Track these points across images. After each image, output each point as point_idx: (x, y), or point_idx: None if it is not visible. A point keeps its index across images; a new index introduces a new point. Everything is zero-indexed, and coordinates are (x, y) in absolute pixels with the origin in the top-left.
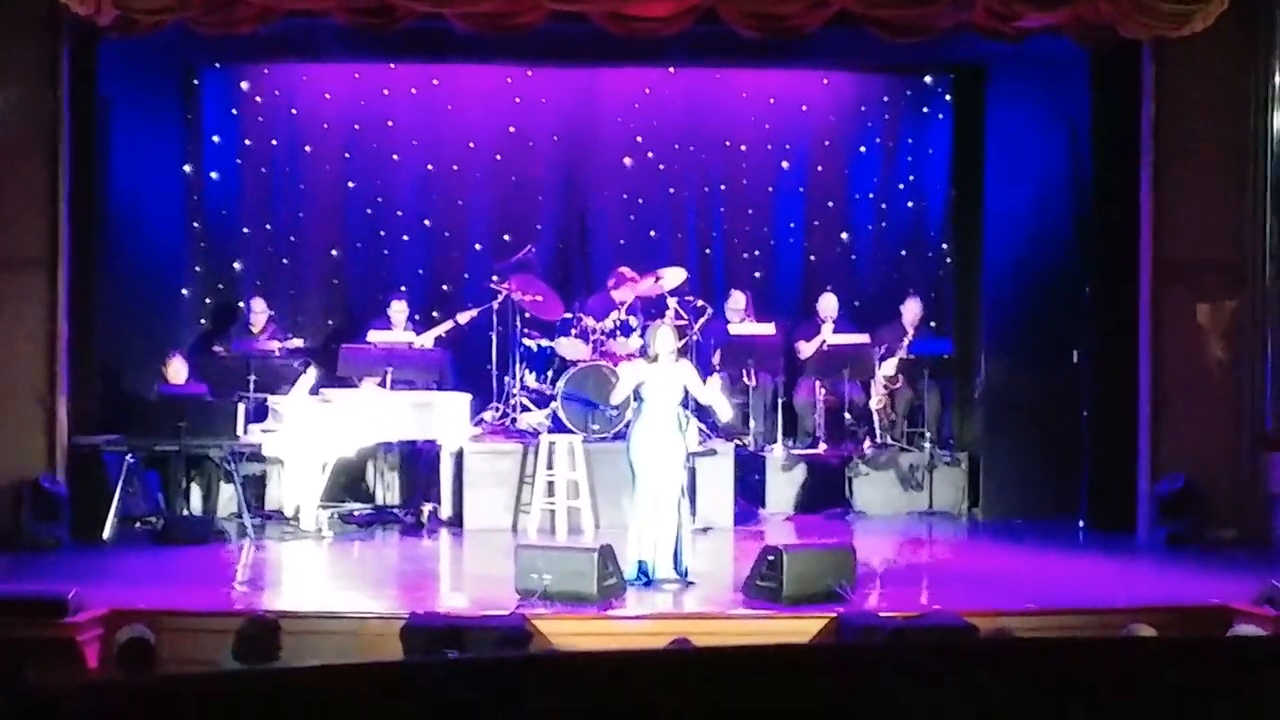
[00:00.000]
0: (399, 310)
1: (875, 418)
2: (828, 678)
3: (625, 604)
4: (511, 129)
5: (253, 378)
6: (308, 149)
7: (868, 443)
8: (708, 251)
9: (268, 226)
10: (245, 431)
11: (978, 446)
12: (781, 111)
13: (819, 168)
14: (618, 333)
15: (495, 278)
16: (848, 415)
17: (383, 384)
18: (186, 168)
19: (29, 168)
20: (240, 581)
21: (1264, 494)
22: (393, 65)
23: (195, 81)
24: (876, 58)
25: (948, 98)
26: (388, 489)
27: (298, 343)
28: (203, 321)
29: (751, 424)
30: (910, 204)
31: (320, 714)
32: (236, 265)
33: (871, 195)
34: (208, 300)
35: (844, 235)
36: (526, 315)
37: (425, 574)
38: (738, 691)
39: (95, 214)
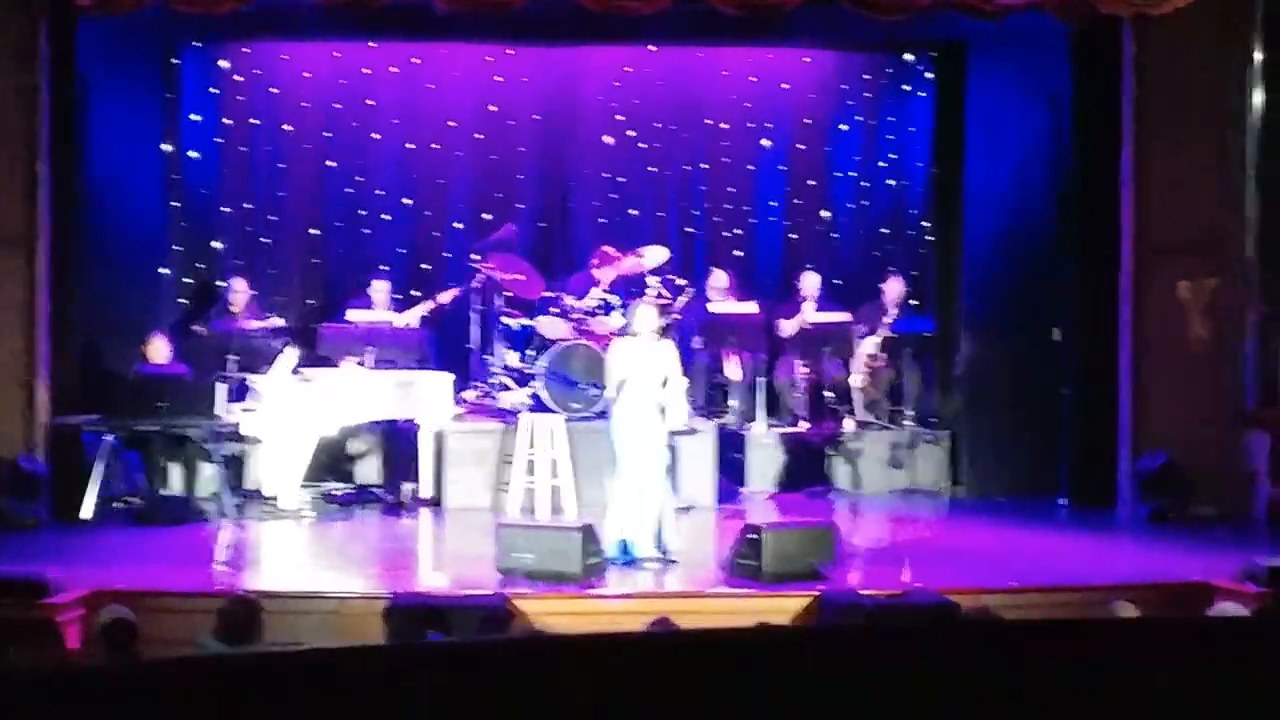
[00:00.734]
0: (379, 289)
1: (857, 396)
2: (808, 658)
3: (607, 583)
4: (492, 108)
5: (233, 357)
6: (287, 128)
7: (849, 421)
8: (689, 230)
9: (247, 206)
10: (226, 411)
11: (959, 424)
12: (762, 90)
13: (800, 146)
14: (599, 311)
15: (475, 256)
16: (829, 394)
17: (363, 363)
18: (166, 147)
19: (7, 147)
20: (221, 561)
21: (1245, 470)
22: (372, 44)
23: (174, 60)
24: (857, 35)
25: (928, 75)
26: (368, 468)
27: (278, 322)
28: (182, 301)
29: (733, 403)
30: (891, 182)
31: (306, 696)
32: (216, 244)
33: (852, 173)
34: (187, 280)
35: (825, 213)
36: (507, 294)
37: (406, 553)
38: (719, 675)
39: (74, 193)
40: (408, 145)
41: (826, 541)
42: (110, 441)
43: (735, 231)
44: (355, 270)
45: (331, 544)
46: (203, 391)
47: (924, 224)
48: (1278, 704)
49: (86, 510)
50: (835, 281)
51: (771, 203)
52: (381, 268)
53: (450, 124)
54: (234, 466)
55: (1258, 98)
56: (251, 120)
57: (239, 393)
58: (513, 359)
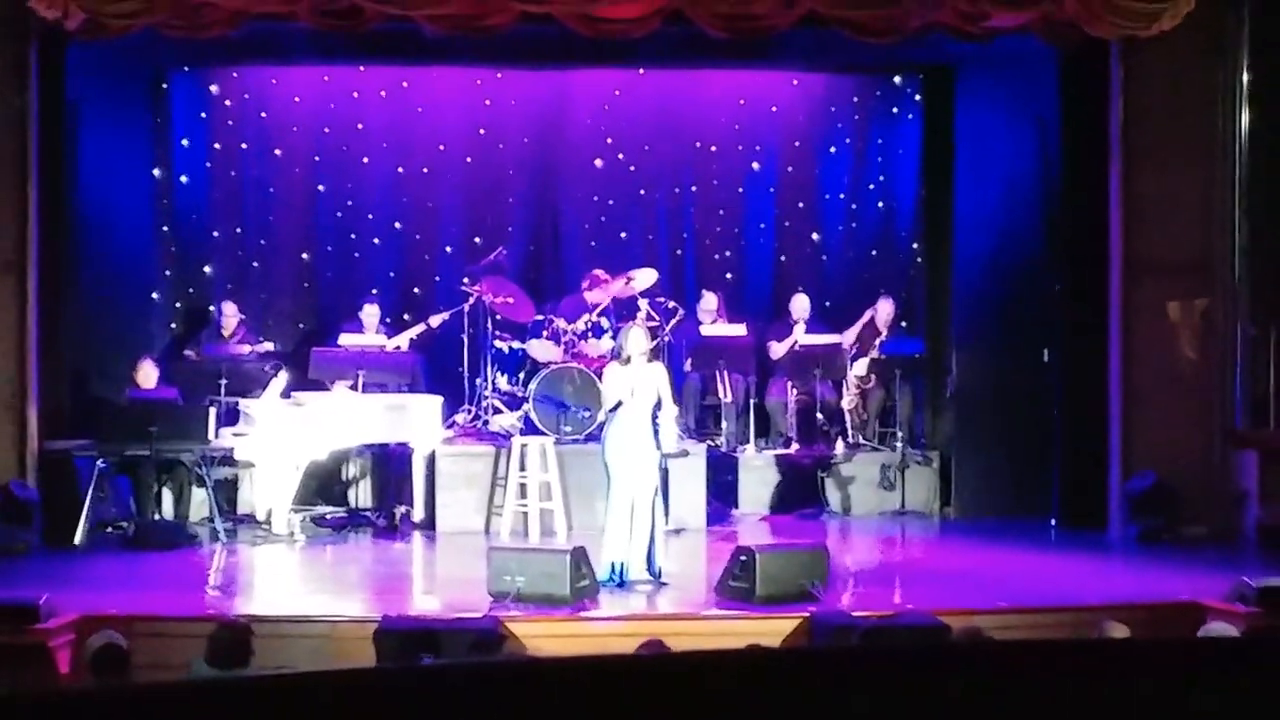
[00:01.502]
0: (370, 313)
1: (847, 418)
2: (800, 680)
3: (598, 605)
4: (482, 131)
5: (224, 381)
6: (278, 152)
7: (840, 443)
8: (679, 253)
9: (238, 230)
10: (216, 435)
11: (949, 446)
12: (752, 112)
13: (789, 168)
14: (589, 334)
15: (466, 280)
16: (820, 415)
17: (354, 387)
18: (156, 171)
19: None
20: (212, 586)
21: (1234, 490)
22: (362, 68)
23: (164, 85)
24: (846, 58)
25: (917, 98)
26: (360, 492)
27: (269, 346)
28: (173, 325)
29: (724, 425)
30: (880, 204)
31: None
32: (207, 269)
33: (842, 195)
34: (178, 304)
35: (815, 235)
36: (498, 317)
37: (398, 577)
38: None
39: (64, 218)
40: (398, 169)
41: (818, 563)
42: (101, 466)
43: (725, 254)
44: (346, 294)
45: (323, 568)
46: (194, 416)
47: (913, 245)
48: None
49: (78, 535)
50: (825, 303)
51: (761, 225)
52: (372, 291)
53: (440, 148)
54: (225, 491)
55: (1245, 118)
56: (241, 144)
57: (230, 417)
58: (504, 382)
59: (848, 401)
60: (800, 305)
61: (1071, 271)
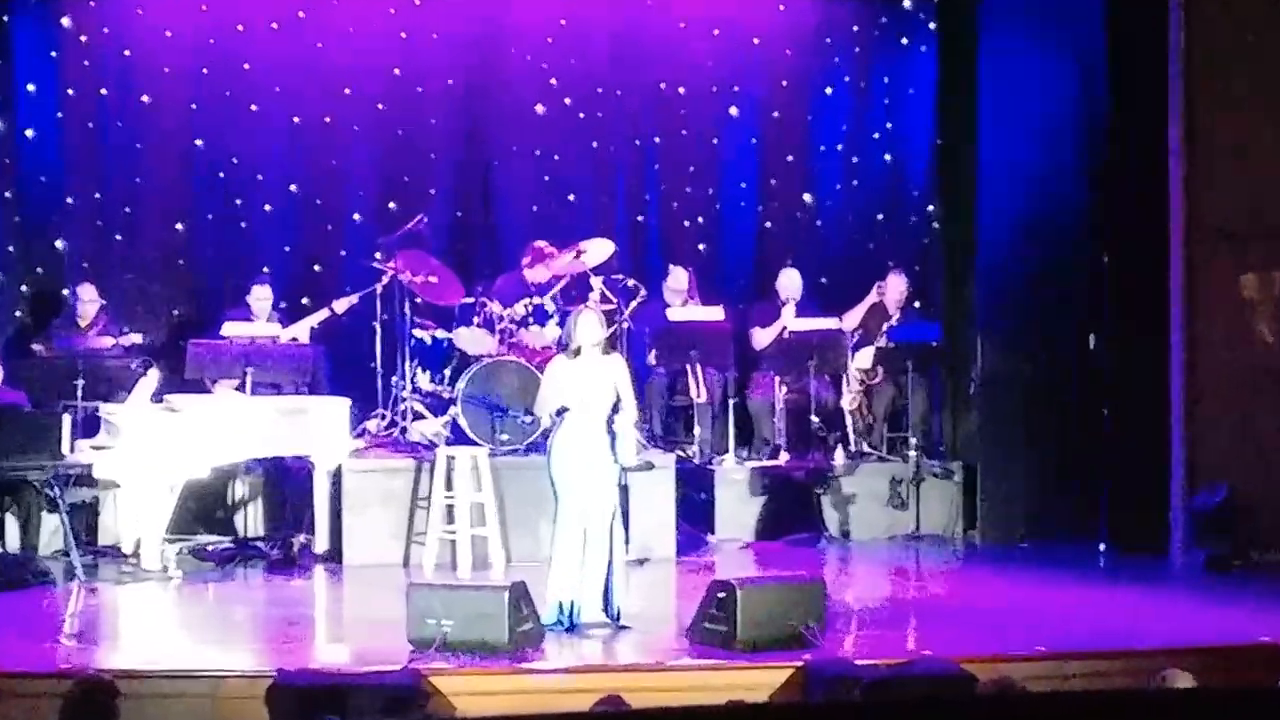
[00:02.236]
0: (261, 297)
1: (849, 420)
2: None
3: (544, 654)
4: (397, 71)
5: (80, 382)
6: (145, 100)
7: (840, 451)
8: (640, 219)
9: (97, 196)
10: (73, 449)
11: (974, 454)
12: (728, 45)
13: (775, 114)
14: (531, 320)
15: (379, 255)
16: (815, 418)
17: (241, 388)
18: None
19: None
20: (68, 634)
21: None
22: None
23: (4, 18)
24: None
25: (931, 26)
26: (249, 517)
27: (136, 339)
28: (18, 314)
29: (697, 430)
30: (887, 156)
31: None
32: (59, 244)
33: (840, 147)
34: (24, 288)
35: (807, 197)
36: (418, 301)
37: (297, 621)
38: None
39: None
40: (293, 119)
41: (813, 600)
42: None
43: (697, 220)
44: (231, 274)
45: (204, 611)
46: (44, 425)
47: (928, 208)
48: None
49: None
50: (821, 280)
51: (741, 184)
52: (263, 270)
53: (345, 92)
54: (83, 517)
55: None
56: (101, 91)
57: (89, 426)
58: (426, 380)
59: (849, 400)
60: (790, 283)
61: (1123, 239)
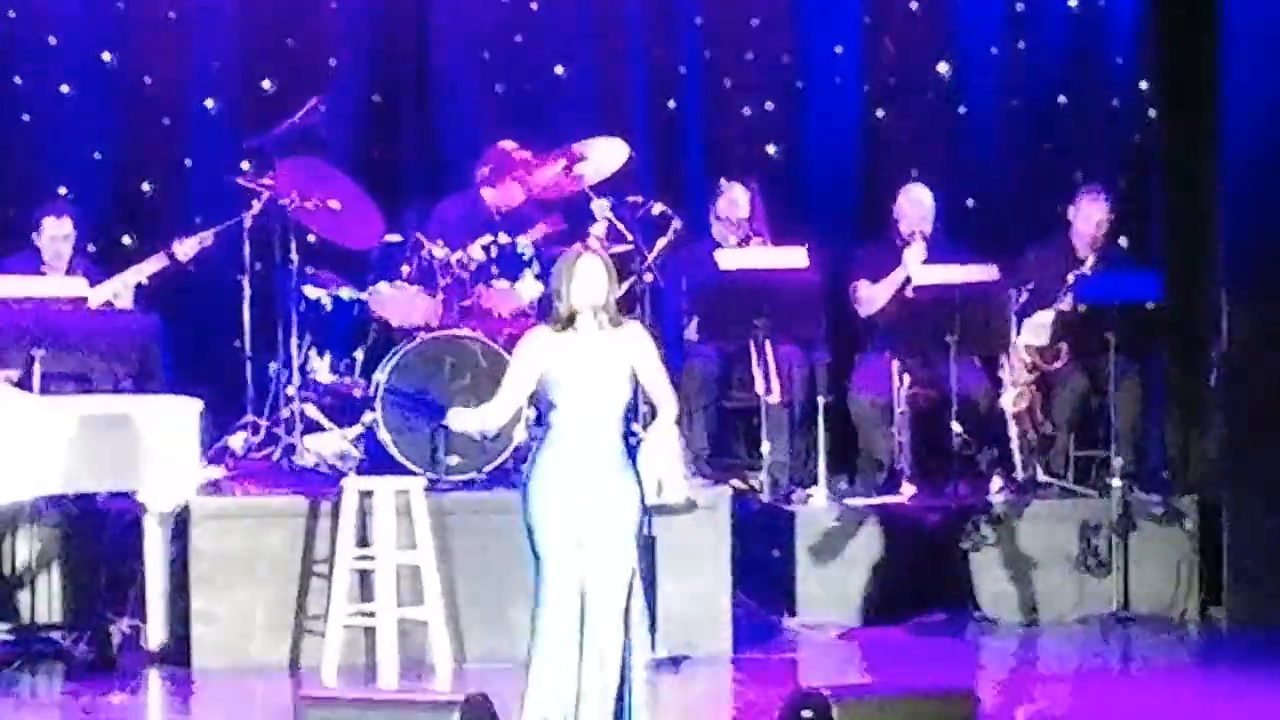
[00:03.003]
0: (55, 234)
1: (1013, 430)
2: None
3: None
4: None
5: None
6: None
7: (998, 480)
8: (671, 105)
9: None
10: None
11: (1217, 484)
12: None
13: None
14: (493, 269)
15: (247, 166)
16: (958, 427)
17: (25, 381)
18: None
19: None
20: None
21: None
22: None
23: None
24: None
25: None
26: (39, 593)
27: None
28: None
29: (766, 448)
30: (1073, 3)
31: None
32: None
33: None
34: None
35: (943, 68)
36: (311, 239)
37: None
38: None
39: None
40: None
41: None
42: None
43: (764, 107)
44: (7, 197)
45: None
46: None
47: (1139, 86)
48: None
49: None
50: (967, 202)
51: (836, 47)
52: (59, 192)
53: None
54: None
55: None
56: None
57: None
58: (324, 368)
59: (1014, 398)
60: (916, 208)
61: None
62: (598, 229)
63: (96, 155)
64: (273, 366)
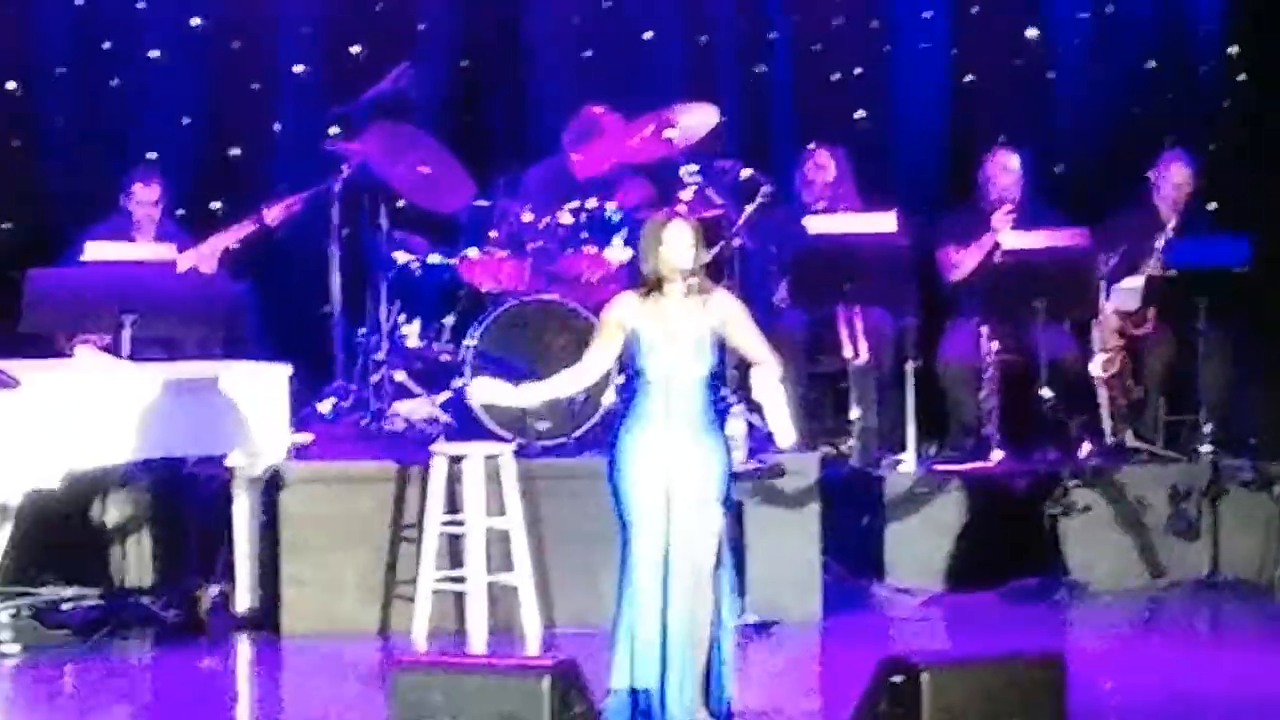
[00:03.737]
0: (144, 199)
1: (1103, 396)
2: None
3: None
4: None
5: None
6: None
7: (1087, 445)
8: (760, 70)
9: None
10: None
11: None
12: None
13: None
14: (583, 235)
15: (335, 131)
16: (1047, 392)
17: (115, 347)
18: None
19: None
20: None
21: None
22: None
23: None
24: None
25: None
26: (129, 558)
27: None
28: None
29: (855, 413)
30: None
31: None
32: None
33: None
34: None
35: (1032, 32)
36: (401, 206)
37: None
38: None
39: None
40: None
41: (1045, 690)
42: None
43: (853, 73)
44: (96, 163)
45: (59, 709)
46: None
47: (1228, 51)
48: None
49: None
50: (1055, 168)
51: (925, 12)
52: (148, 156)
53: None
54: None
55: None
56: None
57: None
58: (414, 335)
59: (1103, 364)
60: (1004, 171)
61: None
62: (685, 195)
63: (185, 120)
64: (361, 331)
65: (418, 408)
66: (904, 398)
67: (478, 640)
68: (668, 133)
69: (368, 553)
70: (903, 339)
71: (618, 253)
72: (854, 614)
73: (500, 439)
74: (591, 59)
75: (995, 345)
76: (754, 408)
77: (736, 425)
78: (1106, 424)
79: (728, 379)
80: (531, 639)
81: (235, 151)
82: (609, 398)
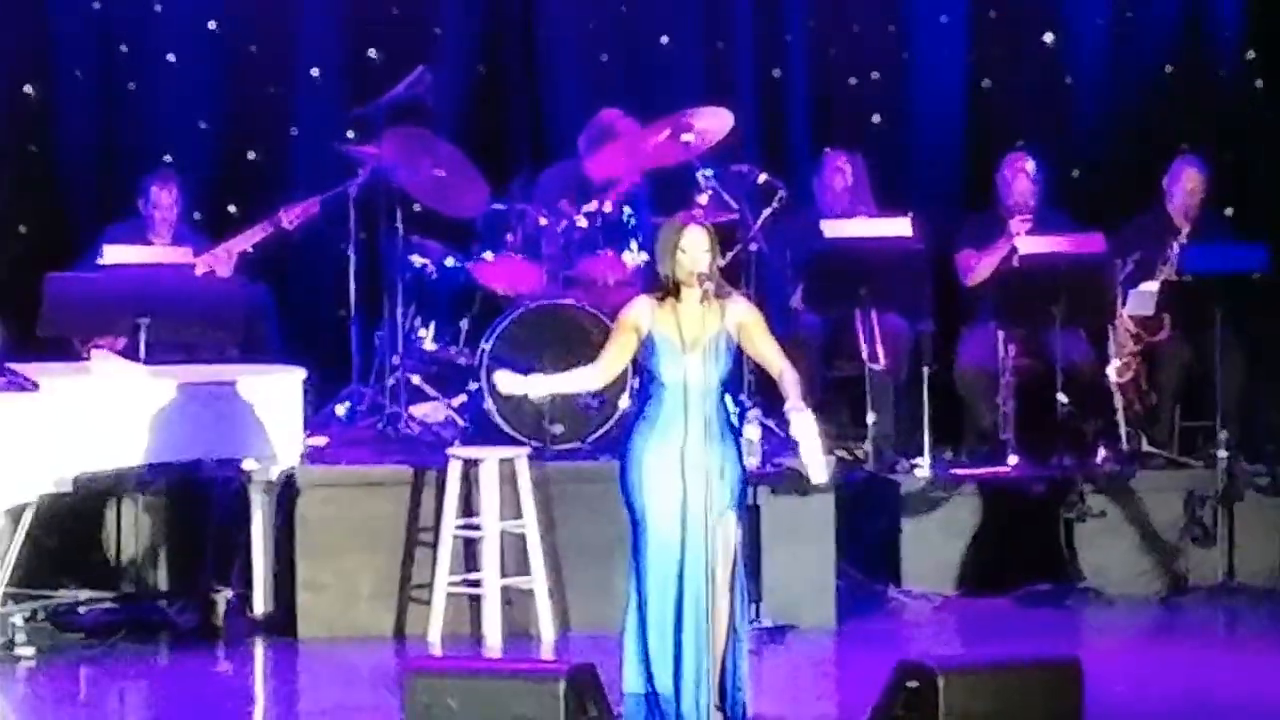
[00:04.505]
0: (161, 203)
1: (1118, 401)
2: None
3: None
4: None
5: None
6: None
7: (1103, 451)
8: (776, 74)
9: None
10: None
11: None
12: None
13: None
14: (598, 239)
15: (352, 135)
16: (1064, 398)
17: (132, 350)
18: None
19: None
20: None
21: None
22: None
23: None
24: None
25: None
26: (143, 561)
27: None
28: None
29: (871, 418)
30: None
31: None
32: None
33: None
34: None
35: (1049, 37)
36: (416, 208)
37: None
38: None
39: None
40: None
41: (1061, 695)
42: None
43: (870, 76)
44: (112, 165)
45: (72, 712)
46: None
47: (1245, 56)
48: None
49: None
50: (1073, 173)
51: (942, 16)
52: (165, 159)
53: None
54: None
55: None
56: None
57: None
58: (429, 338)
59: (1119, 369)
60: (1021, 176)
61: None
62: (701, 199)
63: (202, 124)
64: (377, 335)
65: (433, 411)
66: (920, 402)
67: (493, 644)
68: (684, 137)
69: (383, 556)
70: (919, 344)
71: (634, 256)
72: (869, 619)
73: (516, 443)
74: (608, 63)
75: (1012, 350)
76: (769, 412)
77: (752, 430)
78: (1122, 429)
79: (744, 383)
80: (547, 643)
81: (252, 155)
82: (624, 401)
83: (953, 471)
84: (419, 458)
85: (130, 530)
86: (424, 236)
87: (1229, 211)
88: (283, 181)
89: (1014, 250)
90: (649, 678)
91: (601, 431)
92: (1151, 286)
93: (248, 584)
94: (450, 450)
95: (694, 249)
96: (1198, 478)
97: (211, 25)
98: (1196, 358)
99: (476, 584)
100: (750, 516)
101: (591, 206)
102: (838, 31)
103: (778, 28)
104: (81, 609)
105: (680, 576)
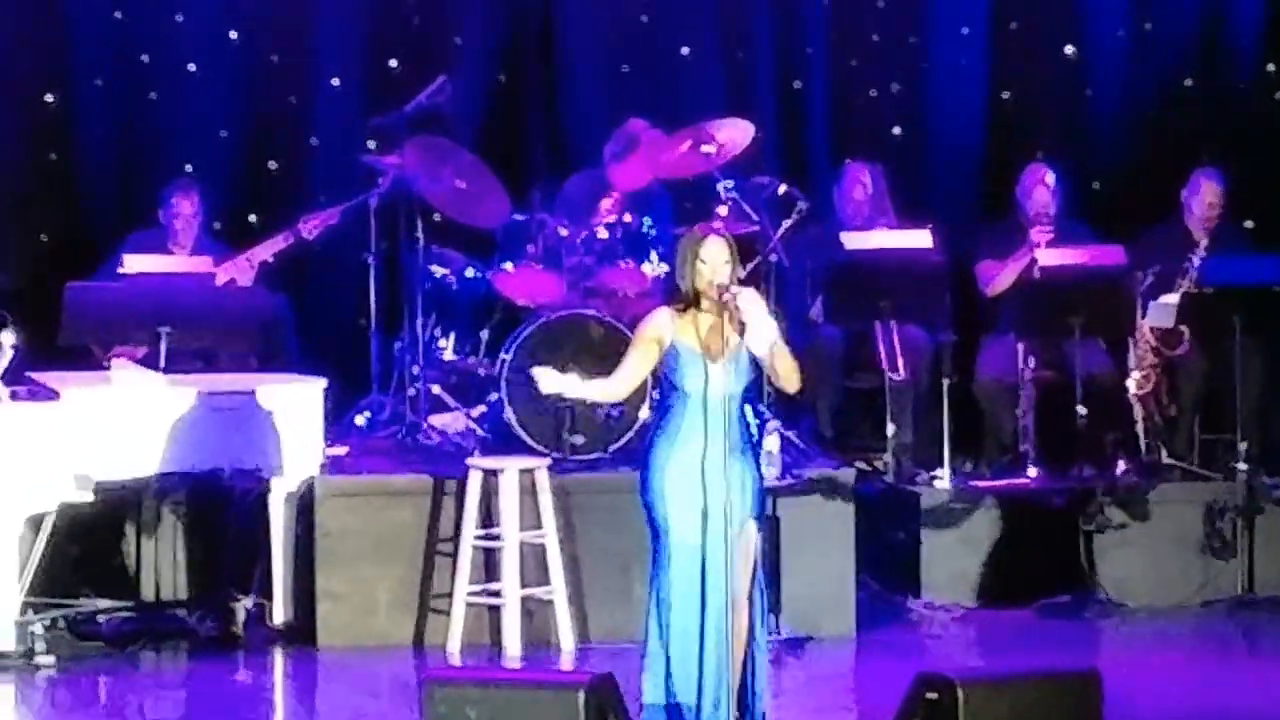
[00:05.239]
0: (182, 212)
1: (1138, 413)
2: None
3: None
4: None
5: None
6: None
7: (1123, 463)
8: (797, 86)
9: None
10: None
11: None
12: None
13: None
14: (619, 249)
15: (373, 144)
16: (1083, 410)
17: (152, 359)
18: None
19: None
20: None
21: None
22: None
23: None
24: None
25: None
26: (162, 570)
27: None
28: None
29: (891, 429)
30: None
31: None
32: None
33: None
34: None
35: (1069, 50)
36: (437, 219)
37: None
38: None
39: None
40: None
41: (1080, 706)
42: None
43: (890, 89)
44: (133, 175)
45: None
46: None
47: (1268, 68)
48: None
49: None
50: (1093, 185)
51: (963, 29)
52: (186, 169)
53: None
54: None
55: None
56: None
57: None
58: (450, 349)
59: (1138, 381)
60: (1041, 188)
61: None
62: (722, 211)
63: (223, 133)
64: (397, 345)
65: (453, 421)
66: (940, 414)
67: (512, 654)
68: (705, 148)
69: (403, 566)
70: (939, 355)
71: (654, 267)
72: (889, 629)
73: (536, 453)
74: (628, 74)
75: (1032, 362)
76: (790, 424)
77: (771, 441)
78: (1142, 441)
79: (764, 394)
80: (566, 653)
81: (273, 164)
82: (644, 412)
83: (972, 483)
84: (439, 468)
85: (150, 539)
86: (444, 247)
87: (1248, 224)
88: (303, 191)
89: (1034, 262)
90: (669, 689)
91: (622, 442)
92: (1171, 299)
93: (267, 593)
94: (470, 460)
95: (714, 260)
96: (1218, 490)
97: (232, 35)
98: (1216, 369)
99: (496, 594)
100: (770, 527)
101: (612, 217)
102: (858, 43)
103: (798, 39)
104: (101, 618)
105: (702, 586)
